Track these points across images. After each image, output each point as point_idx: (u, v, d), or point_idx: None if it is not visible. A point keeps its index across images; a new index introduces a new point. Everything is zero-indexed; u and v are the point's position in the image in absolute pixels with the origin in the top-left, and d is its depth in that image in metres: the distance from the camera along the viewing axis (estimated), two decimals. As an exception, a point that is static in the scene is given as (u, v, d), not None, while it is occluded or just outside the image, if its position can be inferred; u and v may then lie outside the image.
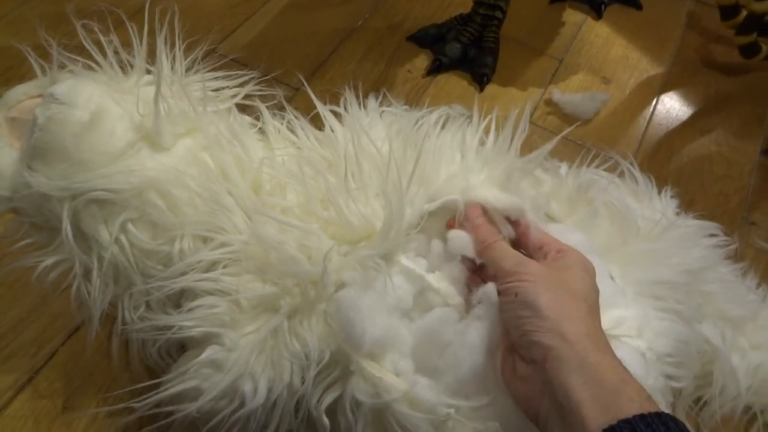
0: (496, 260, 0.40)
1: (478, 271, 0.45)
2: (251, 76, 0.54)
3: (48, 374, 0.60)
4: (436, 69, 0.90)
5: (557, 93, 0.88)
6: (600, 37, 1.01)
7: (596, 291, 0.39)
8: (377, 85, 0.88)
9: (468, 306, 0.42)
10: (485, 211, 0.44)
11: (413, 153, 0.44)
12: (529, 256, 0.42)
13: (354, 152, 0.45)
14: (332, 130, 0.51)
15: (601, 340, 0.36)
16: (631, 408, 0.31)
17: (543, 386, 0.35)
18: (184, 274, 0.43)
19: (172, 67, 0.51)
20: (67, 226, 0.46)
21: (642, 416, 0.31)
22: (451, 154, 0.47)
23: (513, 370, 0.38)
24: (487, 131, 0.51)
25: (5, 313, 0.64)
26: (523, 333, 0.36)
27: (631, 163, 0.60)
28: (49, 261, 0.48)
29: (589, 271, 0.40)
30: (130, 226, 0.46)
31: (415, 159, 0.43)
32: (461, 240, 0.42)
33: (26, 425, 0.57)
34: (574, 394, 0.33)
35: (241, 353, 0.38)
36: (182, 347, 0.50)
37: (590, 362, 0.33)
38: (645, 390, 0.33)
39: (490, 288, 0.39)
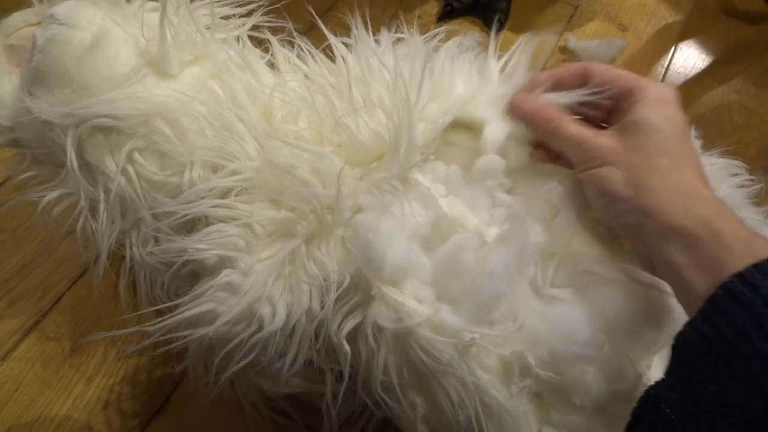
0: (563, 149, 0.38)
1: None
2: (259, 4, 0.51)
3: (55, 318, 0.59)
4: (447, 15, 0.86)
5: (573, 39, 0.85)
6: (616, -16, 0.97)
7: (677, 125, 0.35)
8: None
9: (489, 227, 0.40)
10: (534, 86, 0.40)
11: (426, 71, 0.42)
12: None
13: (363, 75, 0.43)
14: (343, 61, 0.48)
15: (693, 191, 0.33)
16: (732, 262, 0.29)
17: (644, 255, 0.35)
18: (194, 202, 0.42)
19: (178, -7, 0.48)
20: (71, 155, 0.44)
21: (755, 266, 0.28)
22: (468, 74, 0.44)
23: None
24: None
25: (9, 258, 0.62)
26: (609, 219, 0.36)
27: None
28: (53, 195, 0.47)
29: (666, 109, 0.36)
30: (137, 155, 0.44)
31: (424, 74, 0.40)
32: (492, 164, 0.40)
33: (34, 367, 0.56)
34: (672, 260, 0.31)
35: (258, 277, 0.36)
36: (191, 288, 0.49)
37: (680, 226, 0.31)
38: (745, 229, 0.30)
39: (517, 210, 0.38)
